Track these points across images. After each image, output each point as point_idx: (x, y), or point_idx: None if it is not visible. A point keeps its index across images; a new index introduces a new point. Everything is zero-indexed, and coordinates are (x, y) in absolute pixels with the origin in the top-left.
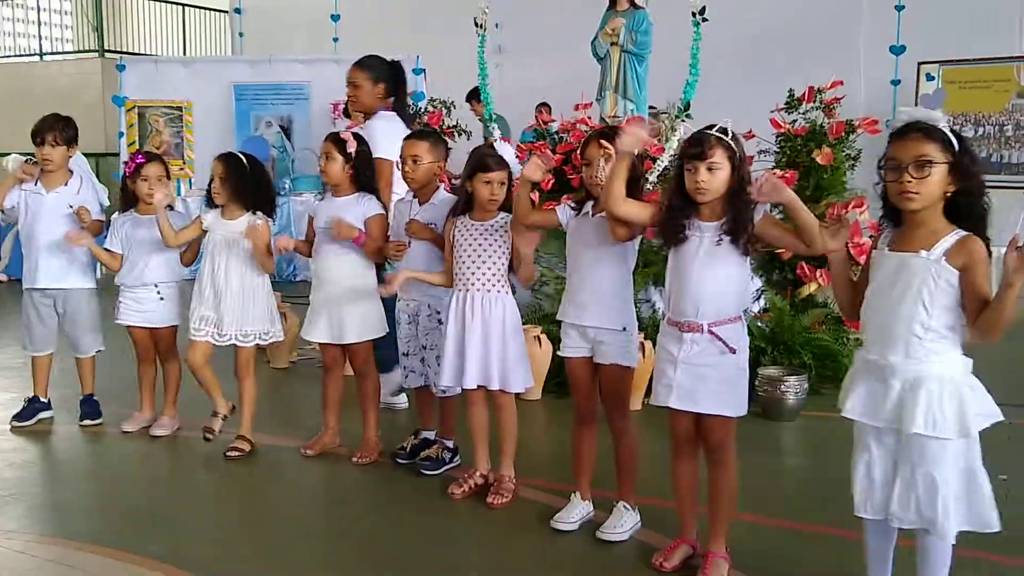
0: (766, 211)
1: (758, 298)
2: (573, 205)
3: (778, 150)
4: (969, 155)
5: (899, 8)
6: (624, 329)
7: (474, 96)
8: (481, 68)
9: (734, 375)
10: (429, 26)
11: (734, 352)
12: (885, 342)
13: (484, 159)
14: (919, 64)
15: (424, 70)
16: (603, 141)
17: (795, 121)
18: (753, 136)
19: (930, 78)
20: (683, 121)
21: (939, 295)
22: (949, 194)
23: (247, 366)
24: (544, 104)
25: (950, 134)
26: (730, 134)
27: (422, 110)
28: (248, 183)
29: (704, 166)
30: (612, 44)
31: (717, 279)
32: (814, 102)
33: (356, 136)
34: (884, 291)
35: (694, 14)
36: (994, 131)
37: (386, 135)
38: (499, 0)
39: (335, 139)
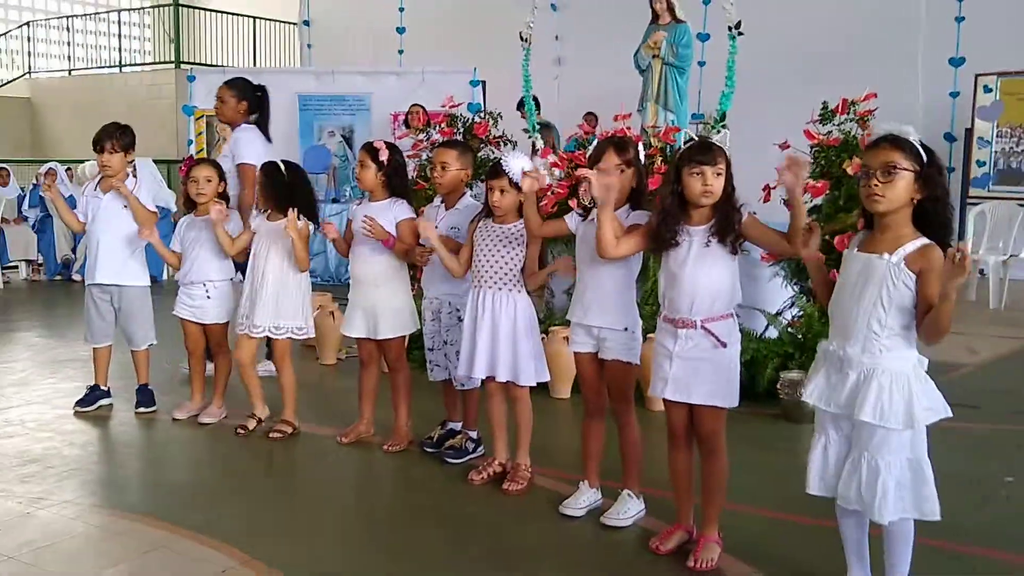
0: (750, 212)
1: (791, 305)
2: (580, 212)
3: (812, 161)
4: (936, 167)
5: (959, 20)
6: (626, 329)
7: (522, 106)
8: (526, 80)
9: (726, 368)
10: (490, 39)
11: (725, 346)
12: (846, 335)
13: (493, 167)
14: (976, 76)
15: (483, 82)
16: (616, 151)
17: (830, 132)
18: (788, 147)
19: (987, 90)
20: (717, 132)
21: (896, 296)
22: (916, 201)
23: (283, 358)
24: (591, 114)
25: (919, 146)
26: (727, 144)
27: (470, 121)
28: (284, 189)
29: (713, 171)
30: (654, 57)
31: (708, 278)
32: (848, 114)
33: (390, 146)
34: (848, 288)
35: (730, 28)
36: None
37: (248, 145)
38: (559, 14)
39: (369, 148)
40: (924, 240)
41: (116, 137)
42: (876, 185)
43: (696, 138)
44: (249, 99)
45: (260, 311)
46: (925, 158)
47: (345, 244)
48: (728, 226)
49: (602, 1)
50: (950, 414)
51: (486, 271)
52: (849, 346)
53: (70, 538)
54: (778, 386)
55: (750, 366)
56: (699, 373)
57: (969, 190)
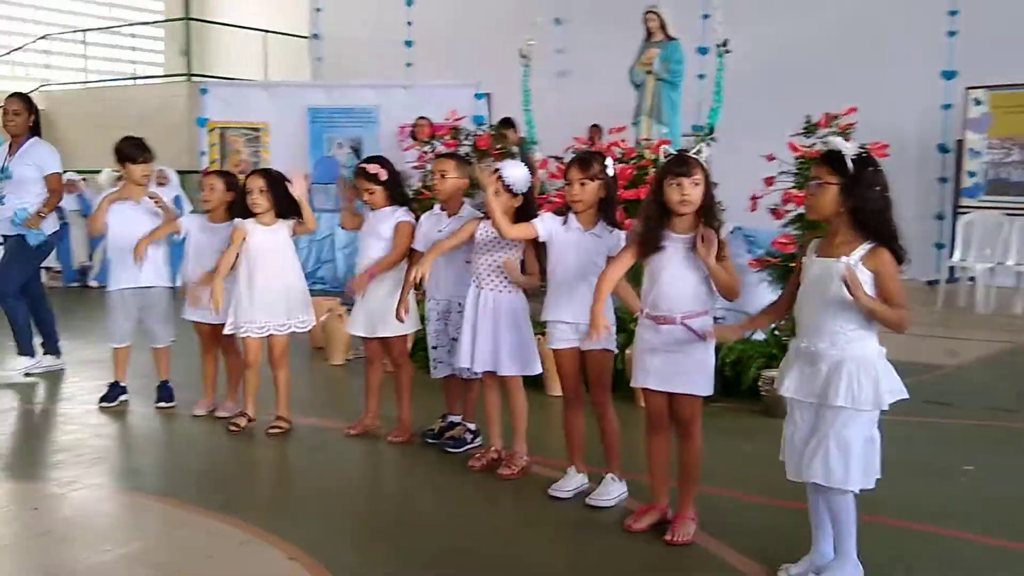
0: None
1: None
2: (555, 217)
3: (796, 172)
4: (861, 179)
5: (951, 34)
6: (612, 323)
7: (504, 125)
8: (525, 96)
9: (703, 360)
10: (497, 52)
11: (703, 339)
12: (815, 333)
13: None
14: (967, 89)
15: (487, 95)
16: (579, 167)
17: (813, 144)
18: (773, 159)
19: (977, 103)
20: (707, 144)
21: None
22: (844, 211)
23: (282, 356)
24: (595, 126)
25: (850, 160)
26: (703, 157)
27: (472, 133)
28: (283, 194)
29: (690, 182)
30: (647, 72)
31: (689, 281)
32: (830, 127)
33: (379, 159)
34: (812, 291)
35: (718, 46)
36: None
37: (52, 155)
38: (562, 27)
39: (367, 175)
40: (874, 243)
41: (148, 149)
42: (807, 196)
43: (674, 152)
44: (34, 112)
45: (262, 313)
46: (853, 170)
47: (352, 219)
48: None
49: (605, 15)
50: (906, 395)
51: (481, 270)
52: (820, 342)
53: (101, 516)
54: (759, 383)
55: (736, 365)
56: (679, 365)
57: (960, 200)
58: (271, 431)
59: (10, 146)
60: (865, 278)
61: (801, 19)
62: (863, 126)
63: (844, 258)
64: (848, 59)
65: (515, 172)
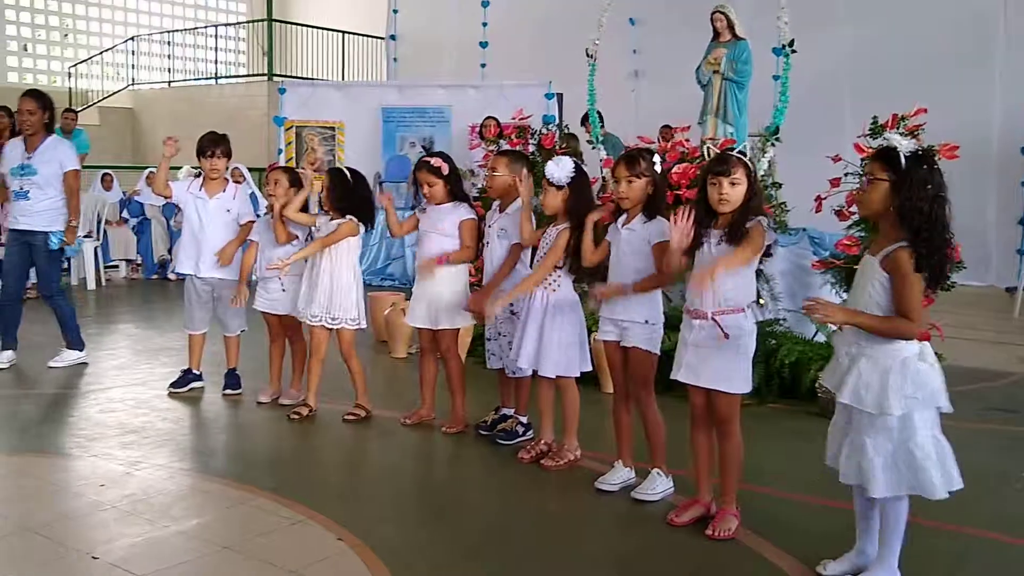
0: (759, 221)
1: None
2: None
3: (861, 173)
4: (912, 177)
5: None
6: (646, 322)
7: (587, 120)
8: (590, 94)
9: (733, 357)
10: (572, 53)
11: (727, 337)
12: (848, 328)
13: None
14: None
15: (559, 95)
16: (626, 165)
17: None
18: (839, 160)
19: None
20: (772, 145)
21: (874, 293)
22: (892, 208)
23: (350, 349)
24: (667, 126)
25: (903, 156)
26: (748, 156)
27: (539, 131)
28: (348, 194)
29: (728, 181)
30: (714, 72)
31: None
32: (897, 128)
33: (441, 154)
34: (855, 286)
35: (784, 46)
36: None
37: (71, 152)
38: (637, 27)
39: (430, 168)
40: (900, 244)
41: (223, 144)
42: (858, 192)
43: (716, 151)
44: (49, 109)
45: (317, 304)
46: (905, 167)
47: (398, 225)
48: (737, 231)
49: (680, 15)
50: (940, 407)
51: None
52: (845, 336)
53: (163, 494)
54: (816, 385)
55: (795, 367)
56: (708, 359)
57: None
58: (347, 417)
59: (26, 143)
60: (883, 280)
61: (880, 20)
62: (943, 128)
63: (871, 257)
64: (928, 60)
65: (552, 168)
